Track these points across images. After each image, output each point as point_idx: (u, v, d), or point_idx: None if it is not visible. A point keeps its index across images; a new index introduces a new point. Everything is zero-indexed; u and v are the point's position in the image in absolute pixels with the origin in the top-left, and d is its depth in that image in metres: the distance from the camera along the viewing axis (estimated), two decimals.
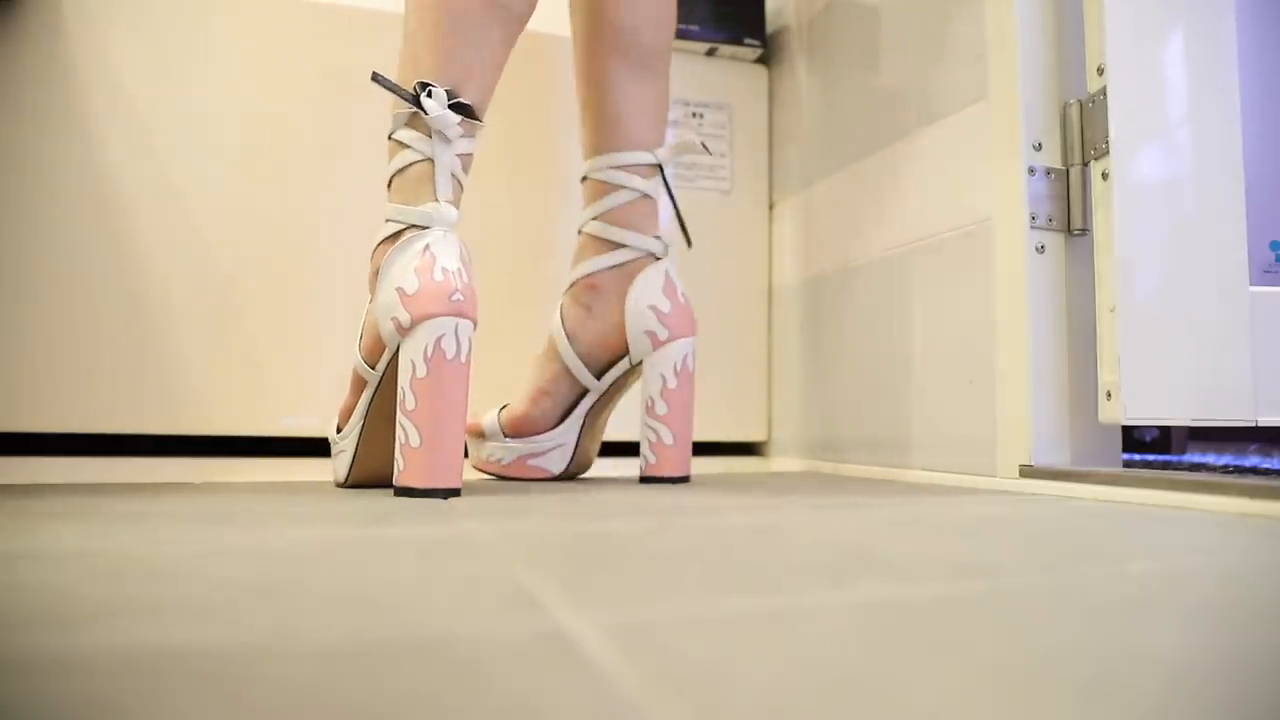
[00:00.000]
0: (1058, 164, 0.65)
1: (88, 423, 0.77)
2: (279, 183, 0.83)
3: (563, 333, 0.71)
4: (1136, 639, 0.21)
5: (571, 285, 0.72)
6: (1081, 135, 0.63)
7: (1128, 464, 0.68)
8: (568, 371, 0.71)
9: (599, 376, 0.71)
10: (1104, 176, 0.61)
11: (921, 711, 0.16)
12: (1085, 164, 0.63)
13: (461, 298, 0.55)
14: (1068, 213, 0.64)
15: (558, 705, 0.16)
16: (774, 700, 0.16)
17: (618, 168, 0.70)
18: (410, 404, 0.55)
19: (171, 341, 0.79)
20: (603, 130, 0.71)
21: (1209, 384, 0.61)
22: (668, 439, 0.69)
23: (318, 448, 0.82)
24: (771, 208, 1.01)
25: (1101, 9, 0.61)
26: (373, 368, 0.58)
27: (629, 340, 0.70)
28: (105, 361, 0.77)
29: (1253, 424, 0.61)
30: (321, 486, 0.62)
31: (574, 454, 0.72)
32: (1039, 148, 0.64)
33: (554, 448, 0.72)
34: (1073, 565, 0.32)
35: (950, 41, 0.72)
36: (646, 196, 0.71)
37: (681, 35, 0.95)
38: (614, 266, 0.70)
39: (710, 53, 0.99)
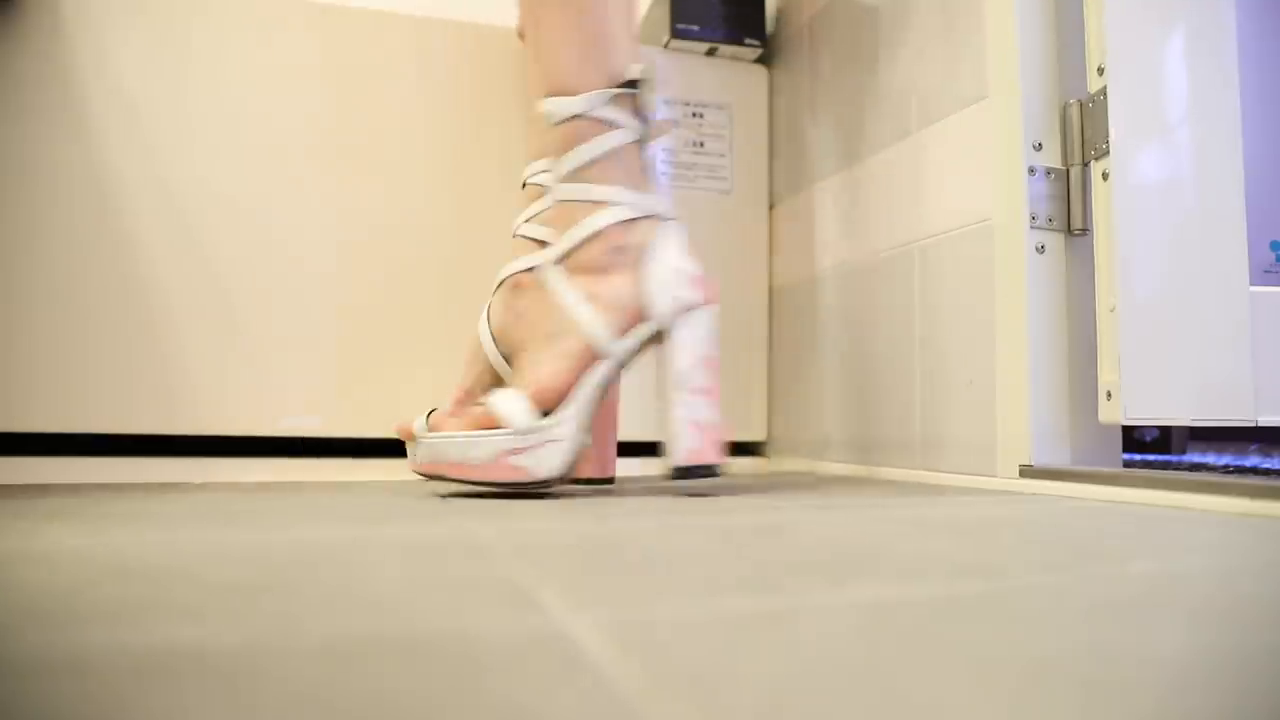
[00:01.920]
0: (1058, 164, 0.65)
1: (86, 423, 0.77)
2: (279, 183, 0.83)
3: (489, 333, 0.70)
4: (1137, 639, 0.21)
5: (499, 285, 0.70)
6: (1082, 135, 0.63)
7: (1128, 464, 0.68)
8: (493, 370, 0.70)
9: None
10: (1104, 176, 0.60)
11: (921, 711, 0.16)
12: (1085, 164, 0.63)
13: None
14: (1068, 213, 0.64)
15: (557, 705, 0.16)
16: (774, 700, 0.16)
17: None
18: (702, 380, 0.57)
19: (171, 341, 0.79)
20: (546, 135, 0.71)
21: (1209, 384, 0.61)
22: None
23: (318, 448, 0.82)
24: (771, 208, 1.01)
25: (1101, 9, 0.61)
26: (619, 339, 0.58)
27: None
28: (104, 361, 0.77)
29: (1253, 424, 0.61)
30: (320, 486, 0.62)
31: None
32: (1039, 148, 0.64)
33: None
34: (1073, 565, 0.32)
35: (950, 41, 0.72)
36: None
37: (681, 35, 0.95)
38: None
39: (710, 53, 0.99)
